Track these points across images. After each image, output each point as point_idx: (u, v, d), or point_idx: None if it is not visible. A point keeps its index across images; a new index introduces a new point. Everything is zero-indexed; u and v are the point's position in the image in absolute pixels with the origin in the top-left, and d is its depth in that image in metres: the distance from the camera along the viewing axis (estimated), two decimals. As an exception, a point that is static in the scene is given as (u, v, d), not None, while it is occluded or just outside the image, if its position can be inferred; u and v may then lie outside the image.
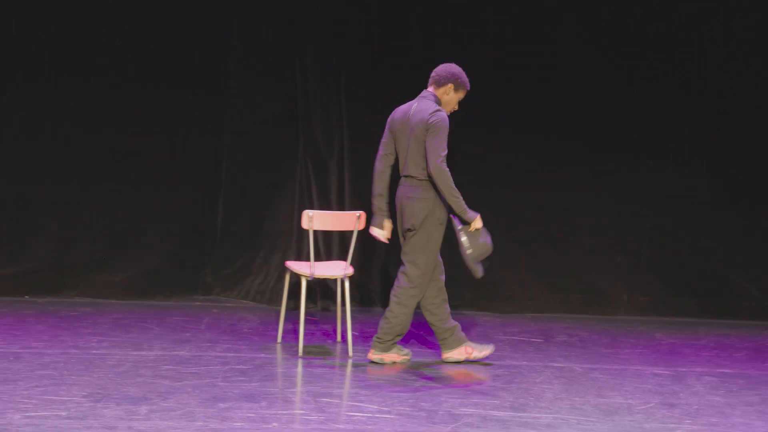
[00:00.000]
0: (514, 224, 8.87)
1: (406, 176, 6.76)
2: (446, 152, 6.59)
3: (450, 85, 6.74)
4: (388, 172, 6.90)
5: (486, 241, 6.72)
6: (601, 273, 8.97)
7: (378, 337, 6.88)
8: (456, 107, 6.83)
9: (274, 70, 8.79)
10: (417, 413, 5.80)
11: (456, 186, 6.60)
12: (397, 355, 6.93)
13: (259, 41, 8.76)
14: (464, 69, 6.87)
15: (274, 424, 5.51)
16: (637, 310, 8.94)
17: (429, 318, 6.92)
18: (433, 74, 6.81)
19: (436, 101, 6.74)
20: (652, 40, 8.83)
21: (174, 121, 8.77)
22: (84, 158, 8.73)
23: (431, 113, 6.63)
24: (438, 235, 6.75)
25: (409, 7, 8.79)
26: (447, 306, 6.92)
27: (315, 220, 7.07)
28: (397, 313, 6.78)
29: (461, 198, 6.62)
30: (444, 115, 6.66)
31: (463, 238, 6.68)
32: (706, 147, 8.93)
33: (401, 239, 6.89)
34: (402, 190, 6.80)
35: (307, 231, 7.11)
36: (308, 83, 8.74)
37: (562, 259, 8.95)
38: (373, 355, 6.90)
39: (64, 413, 5.51)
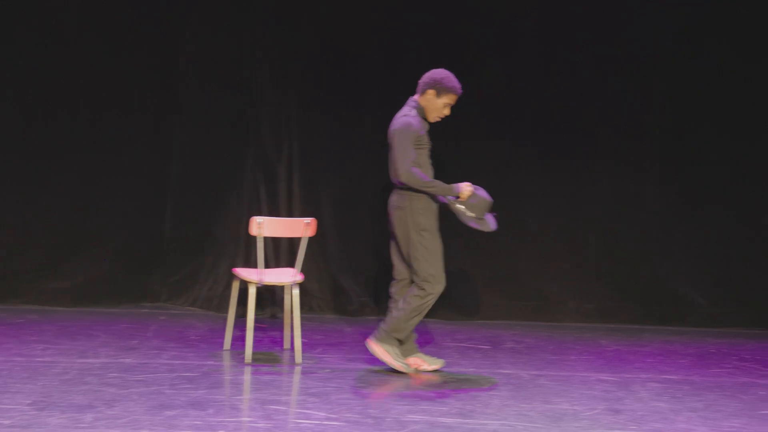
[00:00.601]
0: (462, 231, 8.86)
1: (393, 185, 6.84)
2: (412, 158, 6.56)
3: (431, 92, 6.66)
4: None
5: (482, 196, 6.73)
6: (549, 280, 9.03)
7: (382, 328, 6.88)
8: (444, 113, 6.72)
9: (224, 77, 8.77)
10: (365, 420, 5.80)
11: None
12: (421, 361, 7.01)
13: (210, 49, 8.74)
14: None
15: (222, 431, 5.49)
16: (584, 317, 9.01)
17: (392, 305, 6.91)
18: (419, 81, 6.78)
19: (417, 108, 6.70)
20: (602, 46, 8.90)
21: (122, 127, 8.72)
22: (31, 165, 8.66)
23: (397, 119, 6.67)
24: (426, 242, 6.71)
25: (361, 15, 8.79)
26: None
27: (264, 226, 7.05)
28: (400, 308, 6.80)
29: (438, 183, 6.62)
30: (408, 120, 6.61)
31: (460, 207, 6.70)
32: (654, 155, 9.02)
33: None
34: (389, 199, 6.88)
35: (255, 237, 7.10)
36: (258, 90, 8.73)
37: (509, 266, 9.00)
38: (373, 345, 6.89)
39: (7, 422, 5.46)
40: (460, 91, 6.68)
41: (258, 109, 8.75)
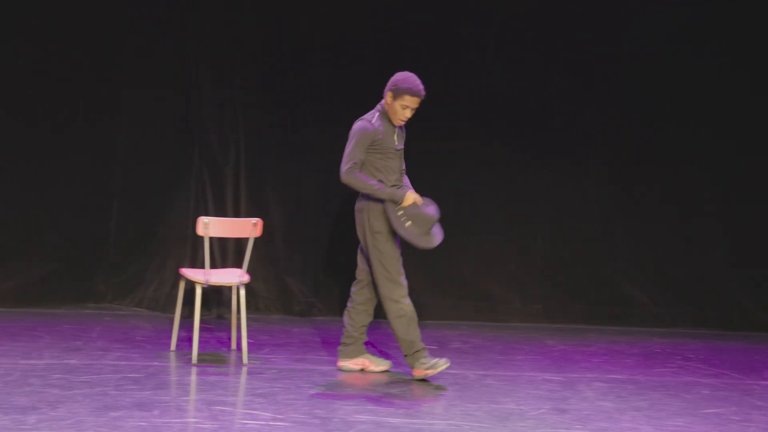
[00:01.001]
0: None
1: None
2: (356, 159, 6.51)
3: (389, 94, 6.57)
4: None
5: (426, 211, 6.62)
6: (495, 281, 9.06)
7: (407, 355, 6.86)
8: (405, 115, 6.59)
9: (167, 78, 8.71)
10: (311, 420, 5.79)
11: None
12: (368, 362, 7.02)
13: (151, 51, 8.68)
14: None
15: (167, 432, 5.46)
16: (530, 317, 9.05)
17: (345, 319, 6.92)
18: None
19: (381, 111, 6.63)
20: (546, 43, 8.95)
21: (66, 126, 8.64)
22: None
23: (356, 122, 6.65)
24: (380, 245, 6.67)
25: (305, 15, 8.78)
26: (368, 319, 6.93)
27: (210, 226, 7.02)
28: (394, 327, 6.78)
29: (382, 186, 6.55)
30: (363, 123, 6.58)
31: (399, 212, 6.57)
32: (598, 156, 9.08)
33: None
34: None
35: (202, 238, 7.06)
36: (204, 91, 8.69)
37: (456, 266, 9.02)
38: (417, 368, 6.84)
39: (-51, 423, 5.39)
40: (418, 92, 6.55)
41: (203, 110, 8.70)
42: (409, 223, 6.61)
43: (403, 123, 6.66)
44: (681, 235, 9.14)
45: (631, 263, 9.12)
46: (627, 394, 6.74)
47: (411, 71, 6.68)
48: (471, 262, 9.04)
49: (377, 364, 7.00)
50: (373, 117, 6.62)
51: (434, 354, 7.30)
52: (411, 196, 6.59)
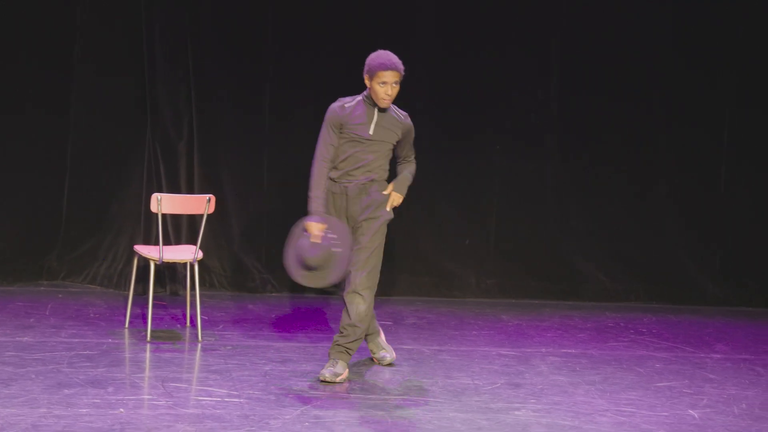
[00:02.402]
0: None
1: None
2: (321, 149, 6.10)
3: (366, 77, 6.12)
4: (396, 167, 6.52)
5: (318, 252, 5.93)
6: (450, 256, 9.09)
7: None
8: (386, 92, 6.07)
9: (121, 54, 8.63)
10: (266, 396, 5.79)
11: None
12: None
13: (103, 25, 8.59)
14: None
15: (121, 409, 5.43)
16: (485, 293, 9.09)
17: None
18: None
19: (364, 96, 6.17)
20: (500, 23, 8.96)
21: (18, 101, 8.54)
22: None
23: None
24: (383, 237, 6.33)
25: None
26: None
27: (164, 203, 6.98)
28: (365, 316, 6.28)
29: (315, 195, 6.09)
30: (332, 105, 6.17)
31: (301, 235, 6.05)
32: (552, 132, 9.12)
33: None
34: None
35: (155, 214, 7.02)
36: (157, 67, 8.61)
37: (410, 243, 9.03)
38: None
39: None
40: (391, 65, 6.05)
41: (156, 86, 8.62)
42: (301, 251, 5.97)
43: (388, 102, 6.10)
44: (633, 210, 9.20)
45: (585, 239, 9.17)
46: (580, 368, 6.79)
47: (369, 51, 6.52)
48: (427, 238, 9.05)
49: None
50: (349, 100, 6.19)
51: (389, 331, 7.31)
52: (313, 227, 5.98)
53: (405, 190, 6.44)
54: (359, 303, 6.10)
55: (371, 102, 6.17)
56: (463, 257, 9.10)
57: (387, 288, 8.88)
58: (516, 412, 5.75)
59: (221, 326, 7.56)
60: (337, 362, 6.21)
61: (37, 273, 8.66)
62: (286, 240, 6.10)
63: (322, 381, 6.13)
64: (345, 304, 6.16)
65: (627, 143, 9.14)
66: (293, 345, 7.06)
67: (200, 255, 7.12)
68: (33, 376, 5.95)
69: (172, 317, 7.79)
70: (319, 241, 5.96)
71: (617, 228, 9.20)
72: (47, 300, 8.13)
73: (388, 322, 7.95)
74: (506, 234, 9.14)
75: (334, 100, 6.26)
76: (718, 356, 7.36)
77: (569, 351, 7.29)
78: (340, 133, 6.15)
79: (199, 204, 7.07)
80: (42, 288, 8.56)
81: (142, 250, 7.15)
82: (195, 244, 7.21)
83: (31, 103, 8.57)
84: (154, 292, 7.09)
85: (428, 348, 7.18)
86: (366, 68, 6.14)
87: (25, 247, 8.63)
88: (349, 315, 6.13)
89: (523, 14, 8.98)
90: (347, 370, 6.24)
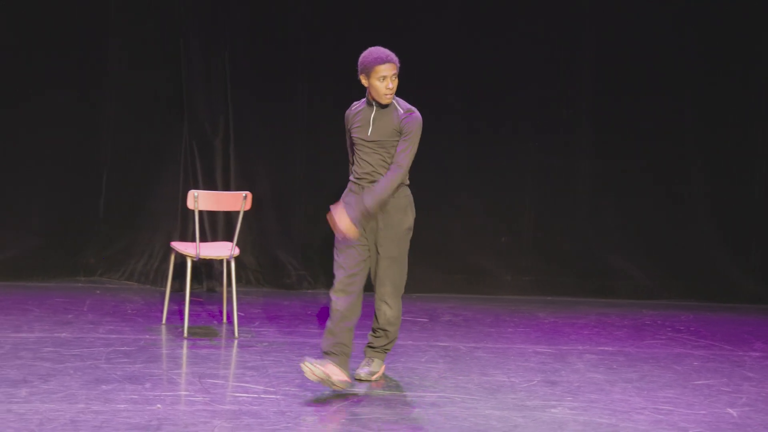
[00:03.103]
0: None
1: None
2: (349, 150, 6.04)
3: (362, 77, 5.89)
4: None
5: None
6: (485, 254, 9.07)
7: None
8: (387, 86, 5.83)
9: (158, 51, 8.67)
10: (303, 393, 5.80)
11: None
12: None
13: (139, 23, 8.63)
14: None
15: (158, 405, 5.46)
16: (521, 290, 9.07)
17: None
18: None
19: (367, 98, 5.96)
20: (531, 22, 8.93)
21: (56, 100, 8.60)
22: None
23: None
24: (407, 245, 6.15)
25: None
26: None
27: (200, 200, 7.00)
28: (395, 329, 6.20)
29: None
30: (347, 112, 6.03)
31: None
32: (586, 130, 9.08)
33: None
34: None
35: (192, 211, 7.05)
36: (193, 63, 8.64)
37: (446, 239, 9.02)
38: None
39: (-60, 397, 5.39)
40: (385, 58, 5.84)
41: (192, 82, 8.65)
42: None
43: (390, 96, 5.86)
44: (669, 207, 9.15)
45: (620, 236, 9.13)
46: (617, 366, 6.76)
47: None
48: (461, 235, 9.04)
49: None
50: (358, 104, 6.05)
51: (425, 328, 7.31)
52: (351, 232, 5.88)
53: (357, 213, 5.84)
54: (386, 310, 6.07)
55: (370, 102, 5.93)
56: (497, 254, 9.08)
57: (422, 285, 8.88)
58: (552, 410, 5.73)
59: (257, 323, 7.58)
60: (372, 360, 6.20)
61: (75, 269, 8.72)
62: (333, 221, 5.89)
63: (357, 379, 6.10)
64: (374, 309, 6.11)
65: (662, 139, 9.09)
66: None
67: (236, 251, 7.14)
68: (71, 371, 5.99)
69: (209, 314, 7.82)
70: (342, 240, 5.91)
71: (653, 225, 9.14)
72: (85, 296, 8.18)
73: (424, 319, 7.95)
74: (541, 231, 9.11)
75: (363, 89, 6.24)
76: (757, 354, 7.30)
77: (606, 348, 7.26)
78: (351, 136, 6.01)
79: (236, 201, 7.08)
80: (79, 284, 8.62)
81: (179, 246, 7.17)
82: (231, 240, 7.23)
83: (67, 100, 8.62)
84: (191, 288, 7.12)
85: (464, 345, 7.17)
86: (360, 68, 5.88)
87: (63, 243, 8.69)
88: (377, 320, 6.12)
89: (555, 9, 8.93)
90: (383, 367, 6.23)
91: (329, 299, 5.94)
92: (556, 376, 6.45)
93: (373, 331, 6.19)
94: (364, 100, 6.02)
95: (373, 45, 6.14)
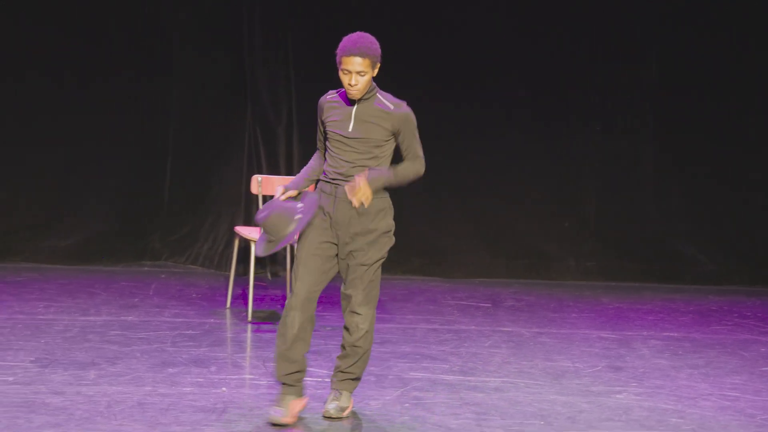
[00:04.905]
0: (461, 190, 8.91)
1: None
2: (322, 150, 5.33)
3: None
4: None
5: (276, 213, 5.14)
6: (549, 238, 9.03)
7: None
8: (347, 82, 5.10)
9: (221, 37, 8.73)
10: (366, 377, 5.81)
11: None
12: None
13: (204, 9, 8.68)
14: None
15: (224, 388, 5.50)
16: (584, 275, 9.02)
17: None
18: None
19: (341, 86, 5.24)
20: (596, 10, 8.86)
21: (121, 86, 8.68)
22: (30, 123, 8.63)
23: None
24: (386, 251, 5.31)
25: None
26: None
27: (264, 184, 7.05)
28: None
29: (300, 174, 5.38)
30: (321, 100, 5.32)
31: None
32: (651, 114, 8.99)
33: None
34: None
35: (255, 196, 7.08)
36: (256, 50, 8.68)
37: (509, 224, 8.99)
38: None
39: (11, 378, 5.47)
40: (346, 50, 5.10)
41: (256, 69, 8.70)
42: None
43: (354, 94, 5.11)
44: (734, 191, 9.05)
45: (685, 220, 9.05)
46: (683, 352, 6.70)
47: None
48: (524, 221, 9.00)
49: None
50: (334, 93, 5.31)
51: (488, 314, 7.30)
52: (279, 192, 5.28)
53: (379, 184, 5.05)
54: (359, 322, 5.15)
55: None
56: (561, 239, 9.04)
57: (485, 271, 8.88)
58: (617, 396, 5.70)
59: (320, 307, 7.59)
60: (341, 393, 5.26)
61: (141, 254, 8.82)
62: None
63: (326, 417, 5.18)
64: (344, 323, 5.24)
65: (729, 122, 8.98)
66: (391, 326, 7.08)
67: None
68: (138, 354, 6.06)
69: (273, 298, 7.87)
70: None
71: (718, 209, 9.05)
72: (150, 280, 8.26)
73: (487, 304, 7.93)
74: (605, 216, 9.05)
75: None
76: (825, 341, 7.21)
77: (671, 334, 7.20)
78: (324, 128, 5.28)
79: (299, 186, 7.10)
80: (145, 268, 8.71)
81: (243, 231, 7.22)
82: (295, 225, 7.25)
83: (133, 88, 8.70)
84: (255, 273, 7.16)
85: (528, 330, 7.15)
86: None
87: (129, 228, 8.79)
88: (350, 333, 5.19)
89: (617, 6, 8.88)
90: (352, 401, 5.29)
91: (283, 316, 5.16)
92: (621, 361, 6.41)
93: (342, 348, 5.24)
94: (343, 89, 5.21)
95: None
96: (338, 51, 5.11)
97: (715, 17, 8.90)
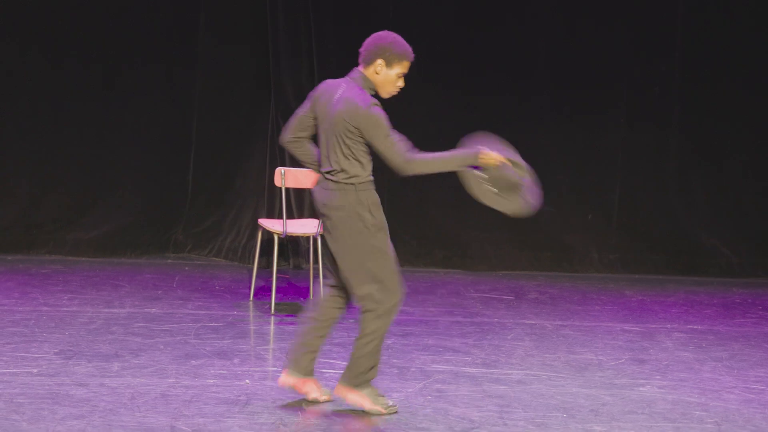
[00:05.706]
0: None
1: (325, 174, 5.16)
2: (402, 140, 5.10)
3: (380, 62, 5.11)
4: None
5: (506, 173, 5.32)
6: (572, 231, 9.00)
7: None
8: (399, 84, 5.18)
9: (245, 29, 8.74)
10: (389, 370, 5.82)
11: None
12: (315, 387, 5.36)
13: (229, 2, 8.70)
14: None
15: (247, 381, 5.52)
16: (607, 268, 8.99)
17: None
18: (360, 49, 5.22)
19: (366, 85, 5.13)
20: (619, 1, 8.83)
21: (144, 78, 8.71)
22: (54, 116, 8.66)
23: (361, 111, 5.03)
24: (372, 243, 5.17)
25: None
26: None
27: (287, 177, 7.05)
28: (362, 344, 5.23)
29: (447, 155, 5.15)
30: (377, 110, 5.04)
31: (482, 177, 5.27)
32: (676, 106, 8.95)
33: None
34: (319, 194, 5.21)
35: (279, 188, 7.09)
36: (280, 42, 8.69)
37: (532, 217, 8.94)
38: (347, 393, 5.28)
39: (35, 370, 5.50)
40: (412, 56, 5.18)
41: (280, 61, 8.70)
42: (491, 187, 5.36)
43: (393, 94, 5.27)
44: (759, 184, 9.00)
45: (710, 213, 9.00)
46: (707, 345, 6.68)
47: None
48: (548, 212, 8.97)
49: (321, 394, 5.37)
50: (334, 84, 5.28)
51: (511, 306, 7.28)
52: (487, 155, 5.26)
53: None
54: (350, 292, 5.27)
55: (369, 86, 5.16)
56: (584, 232, 9.01)
57: (508, 263, 8.86)
58: (641, 388, 5.68)
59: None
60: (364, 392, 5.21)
61: (164, 246, 8.84)
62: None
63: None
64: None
65: (752, 116, 8.93)
66: (414, 318, 7.08)
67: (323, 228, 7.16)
68: (161, 346, 6.08)
69: (296, 290, 7.88)
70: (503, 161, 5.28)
71: (742, 202, 9.01)
72: (174, 272, 8.29)
73: (510, 297, 7.92)
74: (628, 208, 9.01)
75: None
76: None
77: (695, 327, 7.17)
78: (316, 118, 5.23)
79: (322, 178, 7.10)
80: (168, 261, 8.74)
81: (266, 223, 7.23)
82: (317, 217, 7.26)
83: (157, 79, 8.72)
84: (278, 265, 7.17)
85: (551, 323, 7.13)
86: (385, 53, 5.11)
87: (152, 220, 8.82)
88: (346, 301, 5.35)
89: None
90: (368, 400, 5.19)
91: (391, 313, 5.26)
92: (645, 354, 6.39)
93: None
94: (342, 81, 5.19)
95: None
96: (399, 51, 5.13)
97: (741, 4, 8.84)
